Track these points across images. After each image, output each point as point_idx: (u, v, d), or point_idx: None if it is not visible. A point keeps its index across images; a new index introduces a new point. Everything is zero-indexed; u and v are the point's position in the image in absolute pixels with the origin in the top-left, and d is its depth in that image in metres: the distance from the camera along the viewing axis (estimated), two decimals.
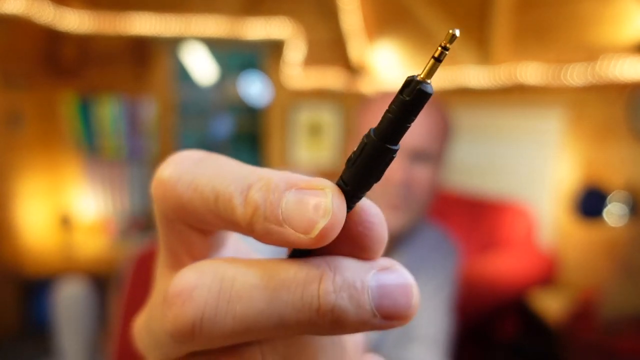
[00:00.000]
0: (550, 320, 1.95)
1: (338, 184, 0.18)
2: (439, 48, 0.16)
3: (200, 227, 0.19)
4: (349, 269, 0.17)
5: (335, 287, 0.17)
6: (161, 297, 0.20)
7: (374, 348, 0.78)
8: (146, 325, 0.21)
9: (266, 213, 0.16)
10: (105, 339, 1.93)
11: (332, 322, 0.17)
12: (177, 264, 0.20)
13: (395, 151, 0.17)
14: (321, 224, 0.16)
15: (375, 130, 0.17)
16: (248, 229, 0.17)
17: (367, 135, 0.17)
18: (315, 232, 0.16)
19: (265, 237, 0.17)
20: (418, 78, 0.16)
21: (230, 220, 0.17)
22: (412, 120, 0.16)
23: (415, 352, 0.79)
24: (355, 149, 0.17)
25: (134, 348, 0.24)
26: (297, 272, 0.17)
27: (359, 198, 0.18)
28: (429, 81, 0.16)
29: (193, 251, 0.20)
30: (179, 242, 0.20)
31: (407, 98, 0.16)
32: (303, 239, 0.16)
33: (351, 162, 0.17)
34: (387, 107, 0.17)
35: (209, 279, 0.17)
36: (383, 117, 0.17)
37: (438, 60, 0.16)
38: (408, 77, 0.16)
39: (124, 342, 0.92)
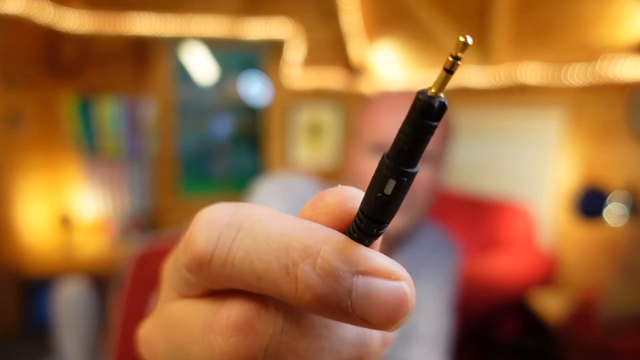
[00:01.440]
0: (550, 320, 1.95)
1: (360, 218, 0.16)
2: (450, 58, 0.14)
3: None
4: None
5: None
6: (179, 321, 0.19)
7: None
8: (169, 343, 0.20)
9: (331, 305, 0.15)
10: (105, 339, 1.93)
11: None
12: (191, 295, 0.19)
13: (415, 173, 0.15)
14: (402, 321, 0.16)
15: (389, 154, 0.15)
16: (302, 308, 0.16)
17: (382, 161, 0.15)
18: (395, 328, 0.16)
19: (327, 317, 0.16)
20: (429, 92, 0.14)
21: (278, 297, 0.16)
22: (427, 139, 0.15)
23: (416, 353, 0.79)
24: (373, 181, 0.16)
25: (135, 349, 0.23)
26: None
27: (384, 228, 0.17)
28: (441, 95, 0.14)
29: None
30: (203, 290, 0.19)
31: (414, 115, 0.14)
32: (375, 329, 0.16)
33: (373, 196, 0.16)
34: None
35: (271, 311, 0.16)
36: (395, 139, 0.15)
37: (449, 72, 0.14)
38: (418, 91, 0.14)
39: (124, 342, 0.92)
